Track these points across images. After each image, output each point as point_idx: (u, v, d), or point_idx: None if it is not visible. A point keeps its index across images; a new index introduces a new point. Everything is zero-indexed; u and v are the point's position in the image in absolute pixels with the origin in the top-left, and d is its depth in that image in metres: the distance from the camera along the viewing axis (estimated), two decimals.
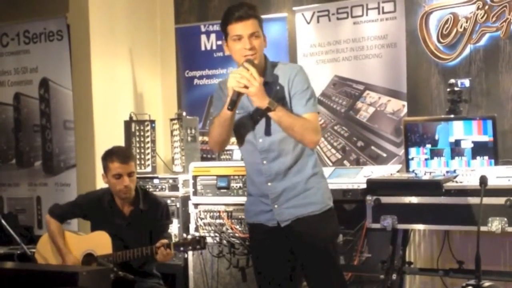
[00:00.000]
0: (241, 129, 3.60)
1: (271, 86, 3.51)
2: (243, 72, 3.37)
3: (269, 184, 3.55)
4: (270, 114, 3.42)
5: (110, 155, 4.52)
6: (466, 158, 4.84)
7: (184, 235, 5.34)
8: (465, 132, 4.85)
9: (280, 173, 3.54)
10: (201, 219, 5.39)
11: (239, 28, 3.45)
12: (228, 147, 5.86)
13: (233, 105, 3.42)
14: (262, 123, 3.53)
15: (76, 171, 6.53)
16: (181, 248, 4.44)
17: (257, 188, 3.62)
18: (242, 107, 3.54)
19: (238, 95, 3.40)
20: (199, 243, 4.36)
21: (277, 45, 6.17)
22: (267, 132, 3.53)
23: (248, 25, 3.44)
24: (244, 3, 3.54)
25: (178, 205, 5.65)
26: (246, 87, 3.35)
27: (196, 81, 6.58)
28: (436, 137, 4.94)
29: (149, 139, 6.04)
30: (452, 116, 4.99)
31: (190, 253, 5.32)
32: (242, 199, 5.21)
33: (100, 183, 4.67)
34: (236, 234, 5.20)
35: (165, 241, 4.35)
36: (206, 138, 6.39)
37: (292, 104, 3.51)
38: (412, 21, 5.68)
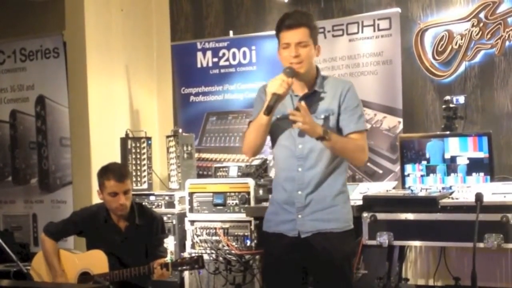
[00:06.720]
0: (278, 134, 3.57)
1: (319, 96, 3.52)
2: (283, 78, 3.39)
3: (299, 192, 3.51)
4: (323, 142, 3.41)
5: (107, 172, 4.45)
6: (462, 175, 4.86)
7: (182, 254, 5.32)
8: (460, 148, 4.87)
9: (312, 183, 3.49)
10: (197, 236, 5.37)
11: (287, 36, 3.47)
12: (224, 164, 5.87)
13: (270, 110, 3.40)
14: None
15: (72, 188, 6.52)
16: (180, 268, 4.40)
17: (285, 195, 3.55)
18: (280, 111, 3.51)
19: (276, 100, 3.38)
20: (197, 263, 4.30)
21: (274, 62, 6.15)
22: (309, 138, 3.46)
23: (296, 34, 3.45)
24: (297, 11, 3.57)
25: (174, 222, 5.64)
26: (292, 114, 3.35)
27: (192, 98, 6.58)
28: (432, 154, 4.95)
29: (145, 156, 6.05)
30: (447, 132, 5.00)
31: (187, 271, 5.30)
32: (238, 216, 5.21)
33: (96, 200, 4.65)
34: (233, 251, 5.18)
35: (162, 260, 4.31)
36: (202, 155, 6.39)
37: (341, 119, 3.51)
38: (407, 38, 5.70)
